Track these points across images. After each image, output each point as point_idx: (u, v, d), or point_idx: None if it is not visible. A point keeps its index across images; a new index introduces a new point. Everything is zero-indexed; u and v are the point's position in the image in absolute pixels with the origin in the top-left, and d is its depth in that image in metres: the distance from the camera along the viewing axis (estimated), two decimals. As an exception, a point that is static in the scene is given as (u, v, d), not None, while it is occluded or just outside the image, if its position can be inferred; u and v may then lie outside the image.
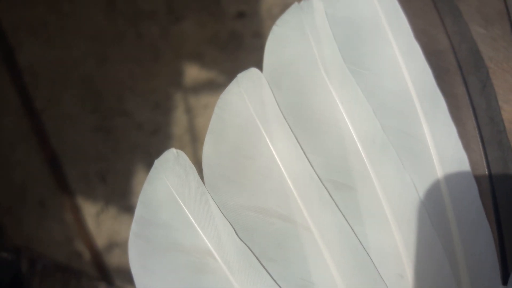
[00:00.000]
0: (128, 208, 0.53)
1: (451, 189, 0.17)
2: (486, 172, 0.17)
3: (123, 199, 0.54)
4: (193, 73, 0.54)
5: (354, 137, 0.17)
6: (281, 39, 0.18)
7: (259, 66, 0.18)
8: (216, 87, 0.54)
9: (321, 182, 0.17)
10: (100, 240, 0.53)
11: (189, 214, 0.16)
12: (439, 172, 0.18)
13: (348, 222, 0.17)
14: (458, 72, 0.18)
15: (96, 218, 0.53)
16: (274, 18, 0.54)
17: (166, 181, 0.16)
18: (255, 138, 0.17)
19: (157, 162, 0.17)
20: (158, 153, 0.17)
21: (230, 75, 0.18)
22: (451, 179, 0.17)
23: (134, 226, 0.16)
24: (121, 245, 0.53)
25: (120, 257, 0.53)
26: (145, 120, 0.54)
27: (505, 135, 0.16)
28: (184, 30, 0.54)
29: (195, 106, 0.53)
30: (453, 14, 0.18)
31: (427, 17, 0.19)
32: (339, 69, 0.18)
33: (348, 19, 0.18)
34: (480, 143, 0.17)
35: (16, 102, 0.53)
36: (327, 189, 0.17)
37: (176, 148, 0.17)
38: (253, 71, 0.18)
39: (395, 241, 0.17)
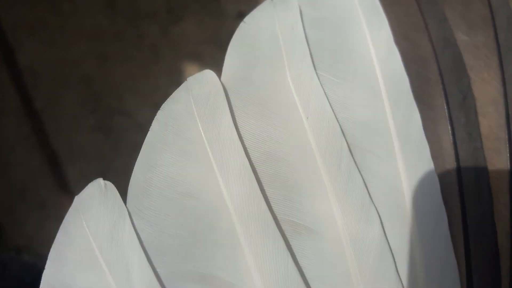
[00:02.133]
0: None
1: (419, 220, 0.16)
2: (458, 198, 0.15)
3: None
4: (193, 73, 0.53)
5: (318, 162, 0.15)
6: (247, 39, 0.16)
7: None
8: (216, 87, 0.53)
9: (278, 224, 0.15)
10: (99, 241, 0.53)
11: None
12: (408, 203, 0.16)
13: (303, 279, 0.15)
14: (439, 81, 0.16)
15: (94, 218, 0.53)
16: (275, 17, 0.53)
17: (86, 228, 0.14)
18: (200, 167, 0.14)
19: (76, 199, 0.14)
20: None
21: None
22: (420, 208, 0.16)
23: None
24: (119, 246, 0.53)
25: (118, 258, 0.53)
26: (145, 120, 0.54)
27: (481, 154, 0.15)
28: (184, 30, 0.53)
29: (194, 107, 0.53)
30: (438, 19, 0.17)
31: (410, 20, 0.18)
32: (308, 78, 0.16)
33: (325, 20, 0.16)
34: (455, 163, 0.15)
35: (16, 102, 0.53)
36: (283, 235, 0.15)
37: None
38: (207, 74, 0.15)
39: None
